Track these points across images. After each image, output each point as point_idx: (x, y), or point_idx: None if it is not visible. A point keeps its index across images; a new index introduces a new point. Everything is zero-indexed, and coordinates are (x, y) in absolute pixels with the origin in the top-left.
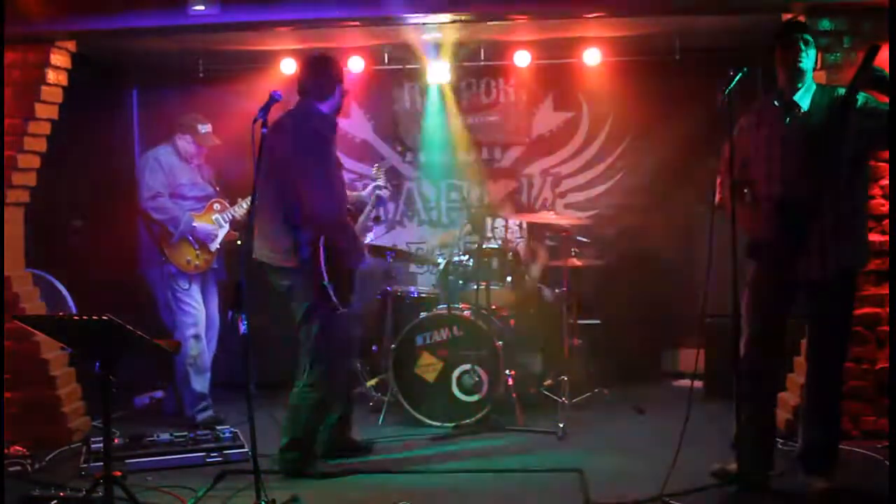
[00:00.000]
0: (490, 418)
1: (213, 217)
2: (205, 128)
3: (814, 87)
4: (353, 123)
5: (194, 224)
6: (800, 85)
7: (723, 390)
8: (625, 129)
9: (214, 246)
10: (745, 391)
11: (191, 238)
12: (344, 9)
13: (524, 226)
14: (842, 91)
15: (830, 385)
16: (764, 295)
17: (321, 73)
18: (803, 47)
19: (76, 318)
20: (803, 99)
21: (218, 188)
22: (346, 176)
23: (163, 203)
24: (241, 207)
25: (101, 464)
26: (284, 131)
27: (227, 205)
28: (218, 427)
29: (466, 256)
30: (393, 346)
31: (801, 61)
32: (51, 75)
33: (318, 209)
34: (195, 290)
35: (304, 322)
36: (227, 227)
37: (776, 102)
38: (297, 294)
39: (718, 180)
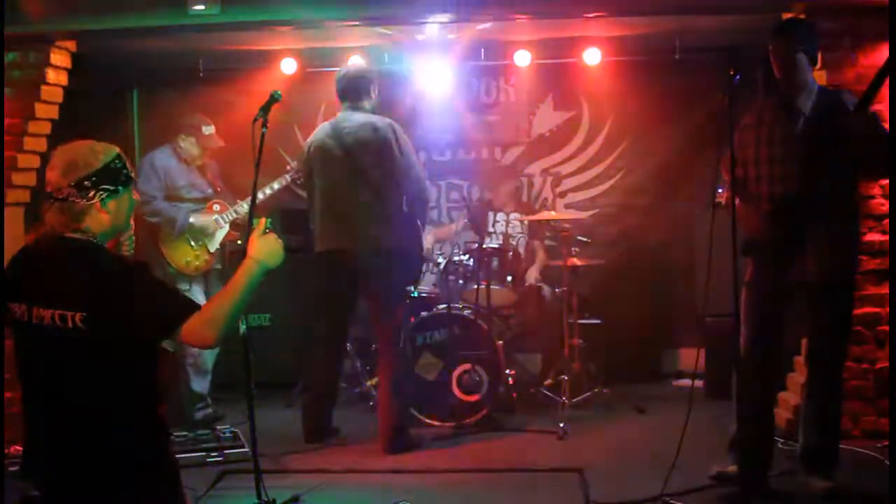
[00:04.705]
0: (490, 418)
1: (213, 218)
2: (209, 129)
3: (816, 89)
4: None
5: (192, 219)
6: (800, 89)
7: (723, 390)
8: (625, 129)
9: (214, 246)
10: (745, 391)
11: (190, 237)
12: (344, 9)
13: (525, 222)
14: (844, 95)
15: (830, 385)
16: (761, 294)
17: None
18: (795, 58)
19: None
20: (806, 103)
21: (219, 189)
22: None
23: (156, 206)
24: (242, 207)
25: None
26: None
27: (227, 205)
28: (218, 427)
29: (466, 256)
30: None
31: (795, 74)
32: (51, 75)
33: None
34: (197, 291)
35: (396, 300)
36: (226, 227)
37: (777, 106)
38: (398, 271)
39: (719, 180)
